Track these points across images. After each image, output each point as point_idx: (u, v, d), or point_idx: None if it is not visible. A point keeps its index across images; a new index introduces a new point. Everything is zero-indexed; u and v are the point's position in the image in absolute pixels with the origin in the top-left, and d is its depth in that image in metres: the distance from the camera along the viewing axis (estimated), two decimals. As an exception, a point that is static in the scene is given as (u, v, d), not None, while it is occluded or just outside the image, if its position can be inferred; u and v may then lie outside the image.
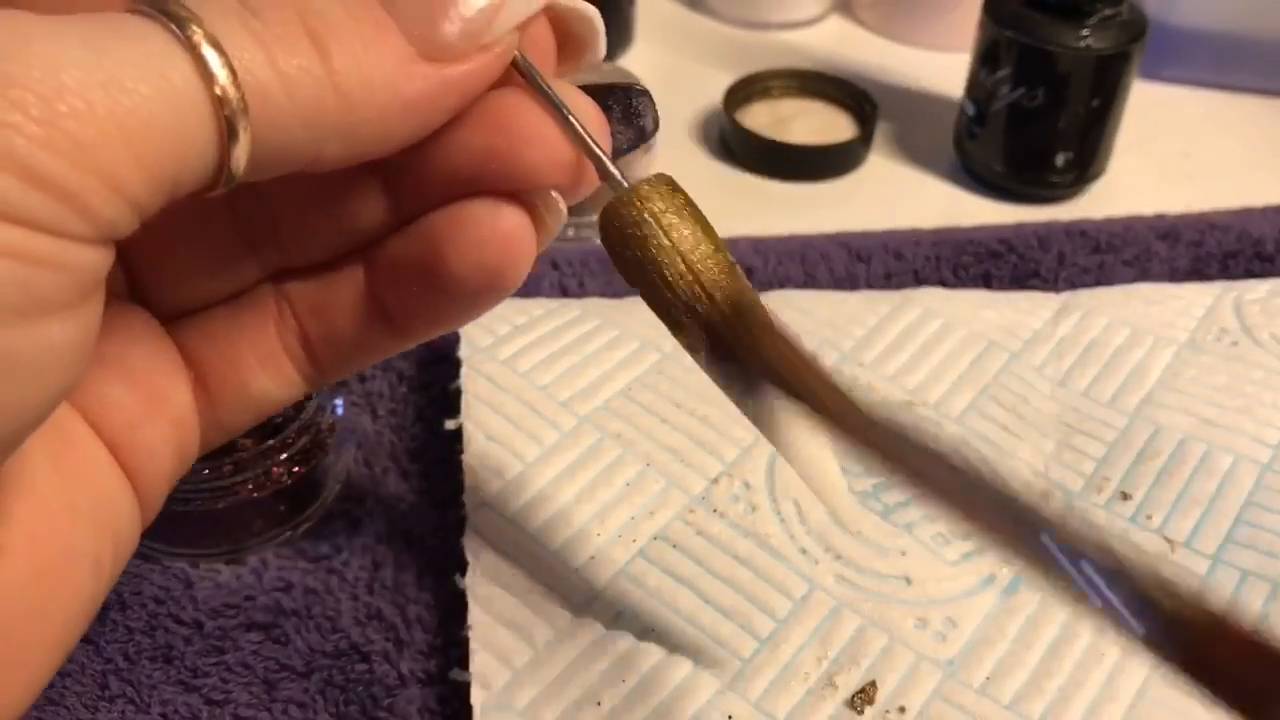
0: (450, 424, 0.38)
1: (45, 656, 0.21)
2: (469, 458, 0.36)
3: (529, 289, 0.45)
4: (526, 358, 0.39)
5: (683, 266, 0.24)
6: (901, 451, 0.20)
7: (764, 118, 0.58)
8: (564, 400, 0.38)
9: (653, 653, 0.31)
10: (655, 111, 0.25)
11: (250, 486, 0.34)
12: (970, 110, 0.54)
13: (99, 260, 0.18)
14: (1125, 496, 0.36)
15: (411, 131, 0.21)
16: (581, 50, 0.24)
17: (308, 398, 0.36)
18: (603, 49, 0.25)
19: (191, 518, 0.34)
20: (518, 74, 0.22)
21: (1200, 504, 0.36)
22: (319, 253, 0.24)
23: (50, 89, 0.16)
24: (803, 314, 0.42)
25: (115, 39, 0.17)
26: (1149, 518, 0.36)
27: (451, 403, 0.38)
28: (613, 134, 0.24)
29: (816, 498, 0.26)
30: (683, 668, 0.31)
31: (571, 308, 0.42)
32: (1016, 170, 0.54)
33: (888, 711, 0.30)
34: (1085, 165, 0.53)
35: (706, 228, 0.24)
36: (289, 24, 0.19)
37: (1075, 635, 0.32)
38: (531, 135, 0.22)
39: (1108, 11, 0.50)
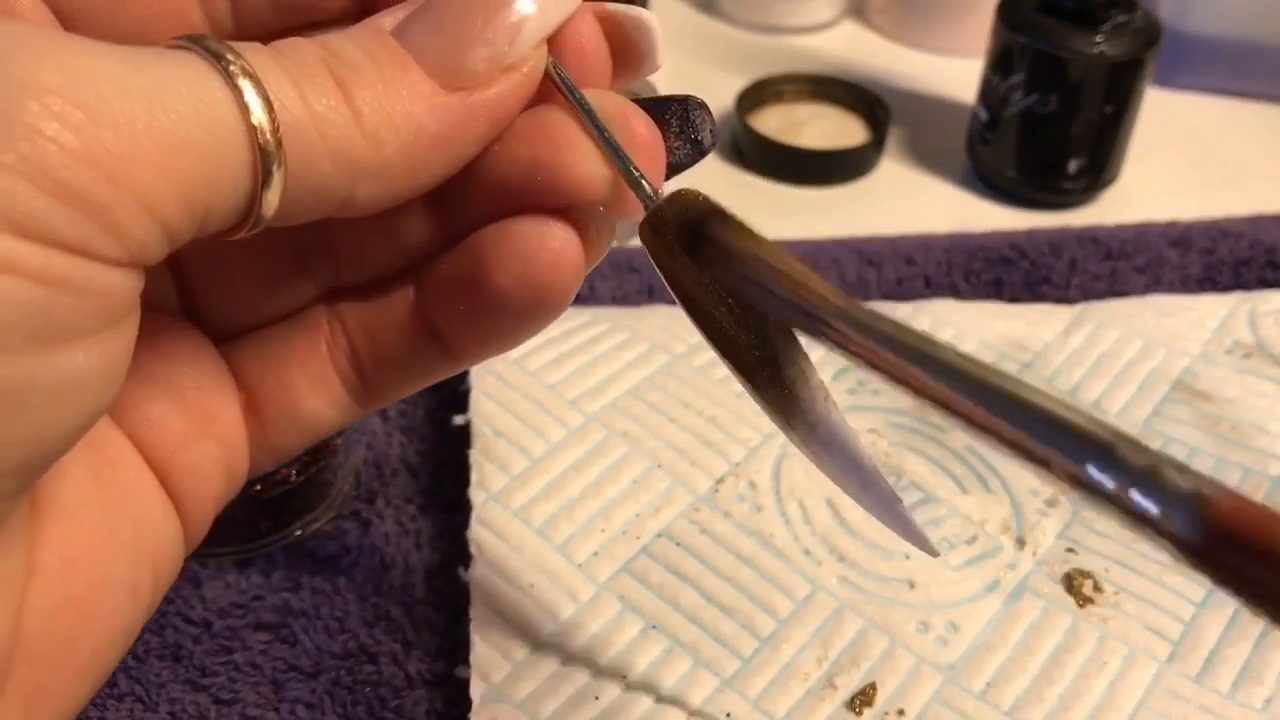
0: (458, 419, 0.38)
1: (73, 686, 0.20)
2: (476, 453, 0.36)
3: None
4: (536, 357, 0.39)
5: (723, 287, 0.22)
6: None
7: (776, 122, 0.58)
8: (572, 398, 0.38)
9: (653, 649, 0.31)
10: (713, 124, 0.24)
11: (259, 487, 0.34)
12: (983, 116, 0.54)
13: (126, 285, 0.17)
14: None
15: (445, 163, 0.21)
16: (640, 59, 0.23)
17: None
18: (662, 57, 0.23)
19: (201, 517, 0.34)
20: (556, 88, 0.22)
21: None
22: (371, 272, 0.24)
23: (89, 99, 0.16)
24: None
25: (155, 59, 0.17)
26: None
27: (461, 404, 0.39)
28: (669, 148, 0.23)
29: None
30: (683, 664, 0.31)
31: (582, 313, 0.42)
32: (1029, 176, 0.54)
33: (886, 714, 0.30)
34: (1098, 172, 0.53)
35: (753, 238, 0.22)
36: (315, 65, 0.19)
37: (1078, 643, 0.32)
38: (576, 146, 0.21)
39: (1121, 18, 0.50)
